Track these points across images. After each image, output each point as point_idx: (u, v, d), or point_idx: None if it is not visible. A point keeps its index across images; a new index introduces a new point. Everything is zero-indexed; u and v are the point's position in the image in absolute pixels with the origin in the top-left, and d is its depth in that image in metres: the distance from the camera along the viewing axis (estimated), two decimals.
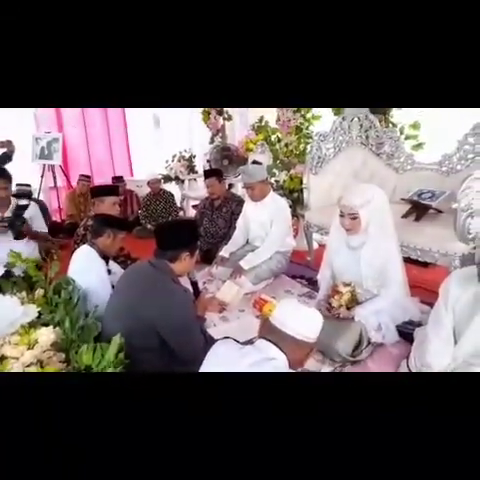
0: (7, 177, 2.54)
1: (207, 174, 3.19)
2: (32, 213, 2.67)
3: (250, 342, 1.59)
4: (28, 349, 1.32)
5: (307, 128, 3.69)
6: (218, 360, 1.09)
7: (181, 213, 4.61)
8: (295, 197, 3.28)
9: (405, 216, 2.36)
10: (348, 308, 1.75)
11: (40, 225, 2.73)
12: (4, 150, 3.20)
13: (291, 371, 1.05)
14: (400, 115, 3.21)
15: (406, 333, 1.79)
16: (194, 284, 1.80)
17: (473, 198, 1.88)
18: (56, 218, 4.39)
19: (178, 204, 4.55)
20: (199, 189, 4.84)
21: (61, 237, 3.63)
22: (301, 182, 3.21)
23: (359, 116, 3.05)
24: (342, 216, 1.75)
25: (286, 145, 3.72)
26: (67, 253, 2.68)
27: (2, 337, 1.32)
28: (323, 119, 3.72)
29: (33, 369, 1.25)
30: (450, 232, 2.00)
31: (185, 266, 1.58)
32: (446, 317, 1.47)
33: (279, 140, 3.86)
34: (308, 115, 3.68)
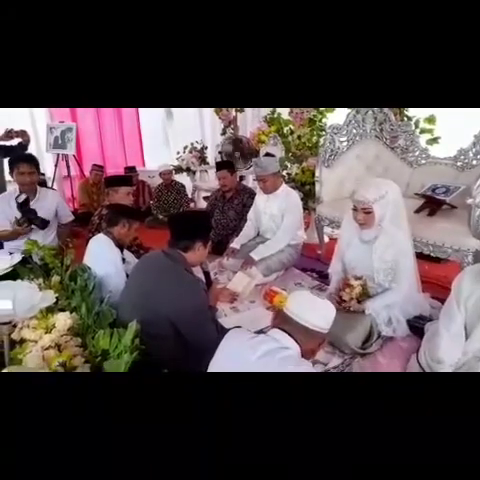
0: (33, 162, 2.47)
1: (219, 166, 3.20)
2: (58, 201, 2.66)
3: (261, 332, 1.62)
4: (46, 333, 1.36)
5: (320, 120, 3.66)
6: (232, 348, 1.11)
7: (192, 204, 4.63)
8: (307, 190, 3.27)
9: (418, 211, 2.35)
10: (359, 301, 1.76)
11: (66, 213, 2.74)
12: (19, 140, 3.23)
13: (296, 371, 1.07)
14: (415, 109, 3.16)
15: (416, 327, 1.80)
16: (206, 274, 1.82)
17: None
18: (69, 207, 4.45)
19: (189, 195, 4.57)
20: (210, 180, 4.85)
21: (75, 225, 3.68)
22: (313, 175, 3.20)
23: (373, 109, 3.01)
24: (355, 210, 1.75)
25: (299, 137, 3.69)
26: (81, 241, 2.73)
27: (21, 320, 1.37)
28: (337, 111, 3.68)
29: (52, 352, 1.29)
30: (464, 228, 1.99)
31: (198, 256, 1.60)
32: (458, 312, 1.47)
33: (292, 132, 3.83)
34: (321, 107, 3.64)
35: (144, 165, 5.36)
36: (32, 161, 2.47)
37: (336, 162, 3.02)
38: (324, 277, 2.55)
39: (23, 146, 3.29)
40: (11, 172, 2.44)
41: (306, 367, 1.03)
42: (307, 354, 1.09)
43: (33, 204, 2.47)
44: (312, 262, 2.89)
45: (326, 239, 3.16)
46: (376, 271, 1.80)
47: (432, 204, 2.34)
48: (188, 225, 1.59)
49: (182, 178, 4.71)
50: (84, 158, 4.84)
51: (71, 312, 1.51)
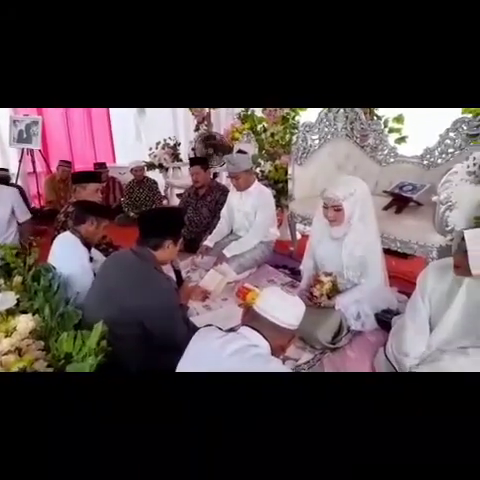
0: None
1: (192, 162, 3.16)
2: (14, 199, 2.57)
3: (233, 330, 1.61)
4: (6, 337, 1.30)
5: (293, 118, 3.68)
6: (200, 348, 1.09)
7: (164, 201, 4.55)
8: (280, 187, 3.29)
9: (386, 208, 2.41)
10: (329, 297, 1.79)
11: (23, 211, 2.64)
12: None
13: (288, 371, 1.07)
14: (384, 108, 3.24)
15: (384, 321, 1.85)
16: (177, 272, 1.80)
17: (452, 192, 1.94)
18: (35, 204, 4.27)
19: (162, 192, 4.49)
20: (183, 177, 4.79)
21: (40, 223, 3.54)
22: (286, 173, 3.22)
23: (344, 108, 3.06)
24: (326, 208, 1.77)
25: (272, 135, 3.70)
26: (47, 240, 2.62)
27: None
28: (309, 109, 3.72)
29: (11, 357, 1.23)
30: (429, 224, 2.06)
31: (168, 254, 1.57)
32: (422, 307, 1.52)
33: (265, 130, 3.83)
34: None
35: (115, 161, 5.22)
36: None
37: (308, 160, 3.05)
38: (296, 274, 2.58)
39: None
40: None
41: (275, 365, 1.02)
42: (277, 351, 1.09)
43: None
44: (284, 259, 2.91)
45: (298, 236, 3.19)
46: (345, 267, 1.83)
47: (399, 201, 2.41)
48: (157, 222, 1.56)
49: (154, 175, 4.62)
50: (51, 153, 4.65)
51: (34, 314, 1.45)
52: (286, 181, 3.22)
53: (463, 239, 1.35)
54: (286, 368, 1.08)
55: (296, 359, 1.62)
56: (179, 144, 4.93)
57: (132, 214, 4.02)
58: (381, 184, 2.73)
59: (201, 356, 1.07)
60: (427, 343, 1.48)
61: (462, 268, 1.37)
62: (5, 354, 1.23)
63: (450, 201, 1.96)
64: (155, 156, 4.72)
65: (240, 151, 2.77)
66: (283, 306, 1.07)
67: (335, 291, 1.81)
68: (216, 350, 1.03)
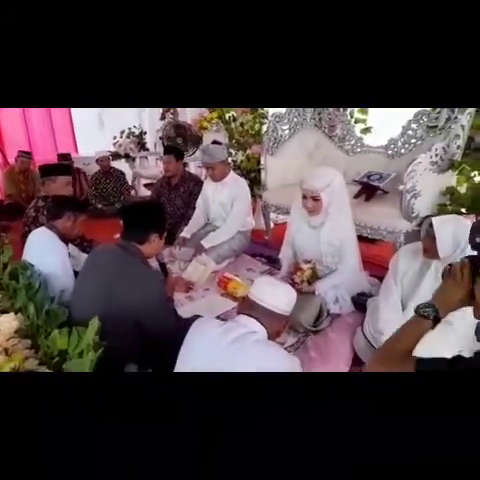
0: None
1: (166, 151, 3.11)
2: None
3: (219, 318, 1.66)
4: None
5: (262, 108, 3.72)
6: (201, 338, 1.13)
7: (132, 192, 4.45)
8: (252, 177, 3.34)
9: (356, 196, 2.54)
10: (309, 283, 1.88)
11: None
12: None
13: (287, 355, 1.13)
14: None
15: (360, 304, 1.98)
16: (162, 265, 1.80)
17: (417, 181, 2.08)
18: None
19: (129, 182, 4.38)
20: (151, 167, 4.70)
21: (1, 219, 3.35)
22: (258, 162, 3.27)
23: None
24: (304, 198, 1.84)
25: (241, 124, 3.72)
26: (13, 236, 2.49)
27: None
28: None
29: (0, 358, 1.20)
30: (396, 211, 2.20)
31: (154, 248, 1.57)
32: (395, 288, 1.65)
33: (234, 119, 3.84)
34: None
35: (77, 151, 4.99)
36: None
37: (279, 150, 3.11)
38: (273, 262, 2.66)
39: None
40: None
41: (274, 348, 1.09)
42: (273, 336, 1.16)
43: None
44: (260, 248, 2.98)
45: (271, 225, 3.27)
46: (324, 254, 1.93)
47: (368, 190, 2.55)
48: (143, 216, 1.55)
49: (120, 165, 4.49)
50: (7, 144, 4.35)
51: (16, 313, 1.41)
52: (258, 171, 3.27)
53: (431, 225, 1.48)
54: (285, 352, 1.15)
55: (282, 343, 1.70)
56: (145, 133, 4.81)
57: (100, 206, 3.91)
58: (349, 173, 2.85)
59: (202, 346, 1.10)
60: (400, 321, 1.61)
61: (431, 252, 1.51)
62: None
63: (415, 190, 2.11)
64: (120, 145, 4.58)
65: (215, 141, 2.77)
66: (277, 294, 1.14)
67: (315, 277, 1.91)
68: (216, 340, 1.07)
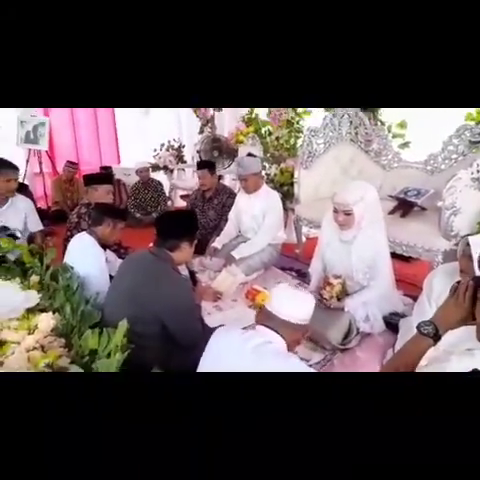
0: (17, 169, 2.38)
1: (200, 165, 3.21)
2: (27, 207, 2.50)
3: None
4: (28, 334, 1.33)
5: (298, 122, 3.75)
6: (223, 344, 1.14)
7: (169, 203, 4.60)
8: (285, 191, 3.35)
9: (392, 212, 2.47)
10: (338, 299, 1.84)
11: (35, 221, 2.55)
12: None
13: (305, 366, 1.11)
14: (388, 113, 3.31)
15: (392, 324, 1.90)
16: (192, 273, 1.84)
17: (457, 197, 2.00)
18: (41, 205, 4.30)
19: (167, 194, 4.54)
20: (187, 179, 4.84)
21: (48, 224, 3.58)
22: (292, 176, 3.28)
23: (349, 113, 3.13)
24: (336, 212, 1.82)
25: (277, 139, 3.77)
26: (57, 240, 2.66)
27: (1, 322, 1.33)
28: (314, 114, 3.78)
29: (37, 354, 1.26)
30: (434, 229, 2.12)
31: (184, 255, 1.62)
32: (429, 309, 1.57)
33: (270, 133, 3.90)
34: (299, 109, 3.73)
35: (120, 162, 5.26)
36: (16, 168, 2.38)
37: (314, 164, 3.11)
38: (303, 276, 2.63)
39: None
40: None
41: (294, 360, 1.08)
42: (292, 345, 1.14)
43: (5, 210, 2.39)
44: (291, 261, 2.97)
45: (303, 239, 3.25)
46: (355, 270, 1.88)
47: (404, 206, 2.47)
48: (174, 225, 1.61)
49: (159, 176, 4.67)
50: (57, 154, 4.67)
51: (53, 312, 1.49)
52: (291, 184, 3.28)
53: (468, 244, 1.41)
54: (303, 364, 1.13)
55: (308, 359, 1.67)
56: (183, 146, 4.98)
57: (138, 215, 4.07)
58: (385, 188, 2.79)
59: (223, 353, 1.11)
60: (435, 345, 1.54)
61: (467, 272, 1.43)
62: (30, 350, 1.27)
63: (455, 207, 2.02)
64: (160, 158, 4.77)
65: (250, 154, 2.82)
66: (294, 303, 1.11)
67: (344, 293, 1.87)
68: (237, 347, 1.08)
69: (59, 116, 4.68)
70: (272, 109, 3.73)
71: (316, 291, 1.94)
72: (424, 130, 3.04)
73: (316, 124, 3.19)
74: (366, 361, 1.69)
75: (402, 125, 3.27)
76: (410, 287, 2.29)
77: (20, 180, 3.95)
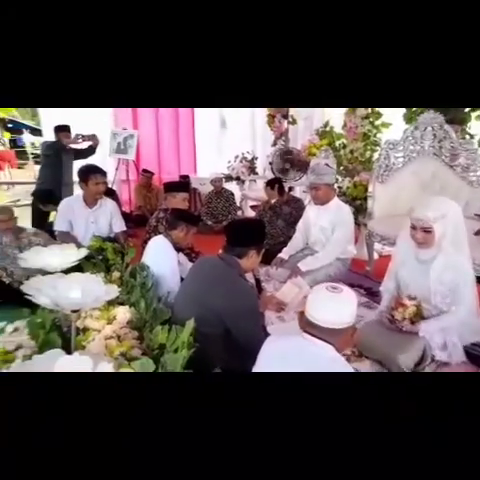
0: (105, 174, 2.68)
1: (268, 183, 3.29)
2: (113, 210, 2.76)
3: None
4: (108, 324, 1.47)
5: (375, 135, 3.62)
6: (272, 352, 1.14)
7: (239, 212, 4.73)
8: (358, 205, 3.24)
9: (478, 233, 2.25)
10: (412, 322, 1.71)
11: (119, 223, 2.78)
12: (90, 143, 3.50)
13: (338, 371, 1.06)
14: (479, 126, 3.04)
15: (474, 355, 1.71)
16: (257, 281, 1.87)
17: None
18: (125, 209, 4.74)
19: (237, 203, 4.68)
20: (258, 190, 4.93)
21: (130, 227, 3.92)
22: (365, 190, 3.16)
23: (433, 126, 2.93)
24: (414, 228, 1.71)
25: (351, 152, 3.68)
26: (137, 241, 2.90)
27: (85, 310, 1.48)
28: (392, 127, 3.63)
29: (113, 342, 1.38)
30: None
31: (251, 263, 1.65)
32: None
33: (344, 146, 3.82)
34: (377, 122, 3.61)
35: (196, 172, 5.56)
36: (104, 173, 2.68)
37: (390, 178, 2.98)
38: (372, 294, 2.50)
39: (92, 149, 3.55)
40: (84, 181, 2.58)
41: (343, 365, 1.04)
42: (342, 347, 1.09)
43: (95, 210, 2.67)
44: (360, 278, 2.84)
45: (375, 256, 3.09)
46: (433, 293, 1.74)
47: None
48: (244, 232, 1.65)
49: (231, 186, 4.84)
50: (142, 163, 5.10)
51: (130, 306, 1.62)
52: (365, 198, 3.16)
53: None
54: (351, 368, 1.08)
55: None
56: (256, 158, 5.10)
57: (210, 223, 4.25)
58: (472, 206, 2.55)
59: (274, 361, 1.11)
60: None
61: None
62: (108, 339, 1.40)
63: None
64: (233, 169, 4.94)
65: (326, 164, 2.79)
66: (332, 308, 1.04)
67: (419, 316, 1.73)
68: (287, 355, 1.08)
69: (146, 128, 5.12)
70: (348, 122, 3.66)
71: (387, 311, 1.83)
72: None
73: (394, 137, 3.06)
74: None
75: None
76: None
77: (109, 186, 4.47)
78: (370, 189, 2.96)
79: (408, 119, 3.53)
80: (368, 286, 2.64)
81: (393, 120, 3.63)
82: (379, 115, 3.57)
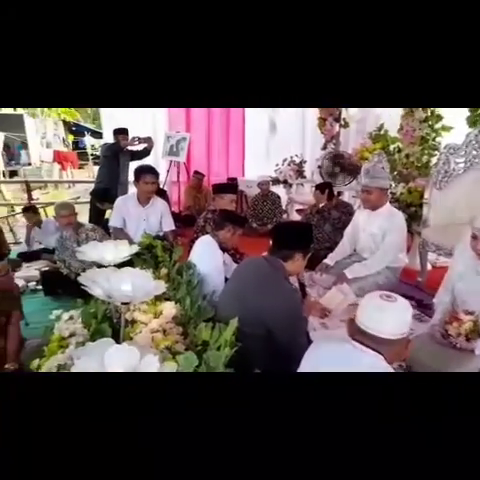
0: (157, 174, 2.82)
1: (317, 187, 3.23)
2: (163, 209, 2.88)
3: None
4: (154, 317, 1.52)
5: (434, 139, 3.42)
6: (319, 357, 1.11)
7: (285, 215, 4.70)
8: (412, 211, 3.07)
9: None
10: (468, 339, 1.59)
11: (169, 221, 2.90)
12: (145, 145, 3.67)
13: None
14: None
15: None
16: (302, 285, 1.85)
17: None
18: (174, 209, 4.90)
19: (283, 207, 4.65)
20: (305, 194, 4.87)
21: (178, 226, 4.05)
22: (421, 196, 3.00)
23: None
24: (475, 239, 1.59)
25: (407, 156, 3.51)
26: (185, 240, 2.99)
27: (134, 303, 1.55)
28: (454, 131, 3.40)
29: (159, 336, 1.43)
30: None
31: (297, 266, 1.63)
32: None
33: (400, 150, 3.65)
34: (437, 126, 3.41)
35: (244, 175, 5.62)
36: (156, 173, 2.81)
37: (449, 185, 2.79)
38: (424, 307, 2.36)
39: (147, 151, 3.73)
40: (137, 180, 2.73)
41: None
42: (393, 359, 1.04)
43: (147, 208, 2.80)
44: (411, 289, 2.69)
45: (429, 266, 2.92)
46: None
47: None
48: (290, 235, 1.64)
49: (278, 190, 4.82)
50: (192, 165, 5.24)
51: (176, 302, 1.67)
52: (420, 205, 3.00)
53: None
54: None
55: None
56: (305, 162, 5.04)
57: (255, 225, 4.27)
58: None
59: (317, 364, 1.09)
60: None
61: None
62: (154, 332, 1.45)
63: None
64: (280, 172, 4.92)
65: (382, 167, 2.69)
66: (384, 317, 0.99)
67: (476, 333, 1.60)
68: (336, 360, 1.05)
69: (198, 131, 5.26)
70: (405, 125, 3.49)
71: (441, 325, 1.72)
72: None
73: (455, 141, 2.87)
74: None
75: None
76: None
77: (160, 186, 4.66)
78: (426, 196, 2.80)
79: (472, 122, 3.29)
80: (419, 298, 2.49)
81: (454, 123, 3.41)
82: (439, 118, 3.37)
